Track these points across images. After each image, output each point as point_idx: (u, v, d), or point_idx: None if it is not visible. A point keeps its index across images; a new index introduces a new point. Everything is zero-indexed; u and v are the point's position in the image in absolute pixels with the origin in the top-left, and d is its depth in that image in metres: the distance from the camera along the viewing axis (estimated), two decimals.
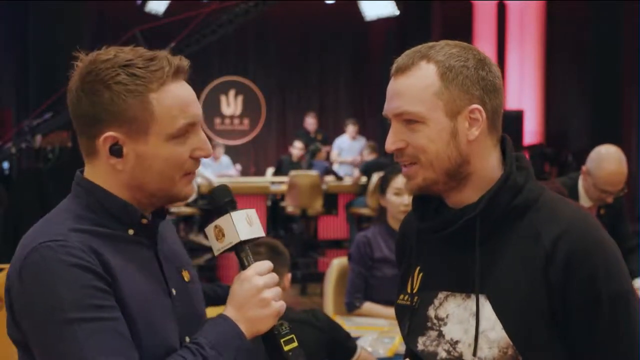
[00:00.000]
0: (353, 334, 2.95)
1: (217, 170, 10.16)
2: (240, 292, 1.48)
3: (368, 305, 3.56)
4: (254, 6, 7.61)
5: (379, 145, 10.72)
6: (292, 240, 10.10)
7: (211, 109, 13.02)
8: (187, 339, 1.50)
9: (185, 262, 1.63)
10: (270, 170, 11.25)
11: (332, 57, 14.12)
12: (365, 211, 9.52)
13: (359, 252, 3.63)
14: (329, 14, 13.28)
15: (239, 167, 11.25)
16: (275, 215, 10.16)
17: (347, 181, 10.20)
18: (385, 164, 10.10)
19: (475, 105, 1.48)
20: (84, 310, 1.36)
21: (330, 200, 9.84)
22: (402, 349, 2.97)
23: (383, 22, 12.02)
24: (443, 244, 1.54)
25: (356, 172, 10.22)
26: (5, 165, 7.12)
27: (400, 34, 13.28)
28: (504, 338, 1.44)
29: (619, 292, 1.44)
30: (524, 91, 11.73)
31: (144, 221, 1.51)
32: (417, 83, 1.49)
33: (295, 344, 1.49)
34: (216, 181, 8.80)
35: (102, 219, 1.47)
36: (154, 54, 1.49)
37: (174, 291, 1.53)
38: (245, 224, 1.49)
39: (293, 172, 9.51)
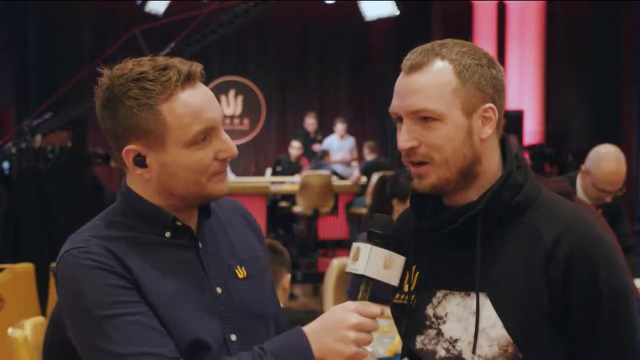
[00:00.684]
0: None
1: None
2: (332, 316, 1.49)
3: None
4: (254, 6, 7.60)
5: (379, 145, 10.74)
6: (292, 240, 10.11)
7: None
8: (233, 336, 1.55)
9: (247, 255, 1.66)
10: (269, 171, 11.23)
11: (332, 57, 14.11)
12: (365, 211, 9.53)
13: None
14: (329, 14, 13.28)
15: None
16: (275, 215, 10.16)
17: (348, 181, 10.20)
18: (385, 164, 10.11)
19: (489, 104, 1.49)
20: (108, 307, 1.45)
21: None
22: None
23: (383, 22, 12.01)
24: (441, 243, 1.54)
25: (356, 172, 10.22)
26: (5, 165, 7.11)
27: (400, 34, 13.28)
28: (504, 336, 1.44)
29: (619, 289, 1.44)
30: (524, 91, 11.73)
31: (178, 224, 1.55)
32: (434, 80, 1.47)
33: None
34: None
35: (137, 223, 1.55)
36: (166, 63, 1.50)
37: (219, 289, 1.57)
38: (380, 264, 1.48)
39: (305, 173, 9.51)
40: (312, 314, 2.88)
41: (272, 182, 9.98)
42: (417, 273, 1.58)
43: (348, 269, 1.51)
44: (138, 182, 1.55)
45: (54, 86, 7.00)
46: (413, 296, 1.57)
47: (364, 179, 9.76)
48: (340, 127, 11.10)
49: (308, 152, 10.90)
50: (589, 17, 10.81)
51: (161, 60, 1.52)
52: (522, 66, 11.76)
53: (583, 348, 1.46)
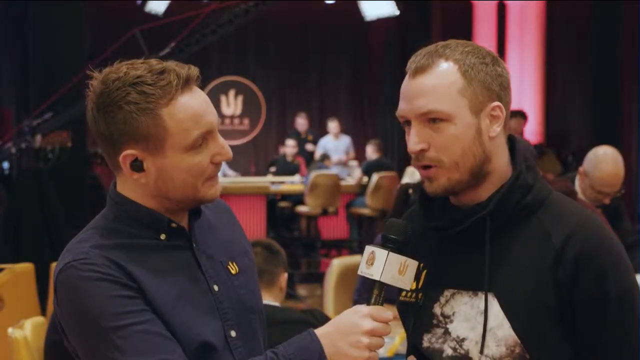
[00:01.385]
0: None
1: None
2: (345, 320, 1.48)
3: None
4: (254, 6, 7.60)
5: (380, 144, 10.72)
6: (293, 240, 10.11)
7: None
8: (233, 333, 1.55)
9: (236, 252, 1.67)
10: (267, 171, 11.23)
11: (332, 57, 14.11)
12: (365, 211, 9.53)
13: None
14: (329, 14, 13.28)
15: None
16: (275, 215, 10.16)
17: (349, 181, 10.20)
18: (386, 163, 10.12)
19: (496, 103, 1.49)
20: (115, 318, 1.43)
21: None
22: (402, 349, 2.97)
23: (383, 22, 12.02)
24: (449, 242, 1.54)
25: (357, 172, 10.21)
26: (5, 165, 7.12)
27: (400, 34, 13.28)
28: (511, 336, 1.45)
29: (627, 290, 1.45)
30: (524, 91, 11.73)
31: (173, 225, 1.55)
32: (440, 81, 1.47)
33: None
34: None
35: (132, 229, 1.53)
36: (163, 66, 1.49)
37: (215, 287, 1.57)
38: (395, 270, 1.48)
39: (315, 173, 9.52)
40: (312, 314, 2.88)
41: (272, 182, 9.98)
42: (425, 271, 1.58)
43: (362, 273, 1.50)
44: (132, 187, 1.54)
45: (54, 86, 7.01)
46: (420, 294, 1.58)
47: (365, 179, 9.77)
48: (332, 125, 11.05)
49: (302, 152, 10.88)
50: (589, 17, 10.81)
51: (155, 63, 1.51)
52: (522, 66, 11.75)
53: (590, 349, 1.47)
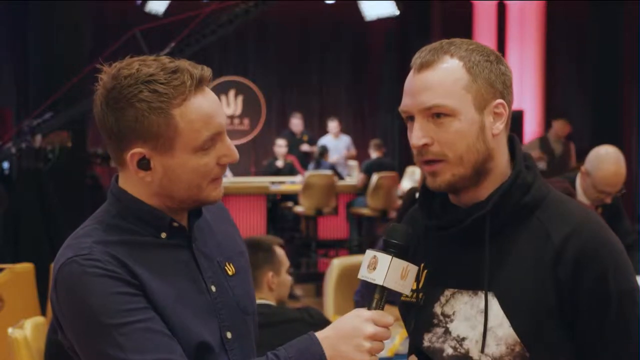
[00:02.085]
0: None
1: None
2: (346, 324, 1.48)
3: None
4: (254, 6, 7.60)
5: (369, 144, 10.71)
6: (293, 240, 10.10)
7: None
8: (229, 334, 1.55)
9: (232, 252, 1.66)
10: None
11: (332, 57, 14.11)
12: (365, 211, 9.53)
13: None
14: (329, 14, 13.28)
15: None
16: (275, 215, 10.16)
17: (347, 181, 10.20)
18: (386, 163, 10.11)
19: (500, 100, 1.50)
20: (117, 315, 1.42)
21: None
22: (402, 349, 2.97)
23: (383, 22, 12.01)
24: (450, 241, 1.55)
25: (357, 173, 10.21)
26: (5, 165, 7.11)
27: (400, 34, 13.28)
28: (511, 335, 1.45)
29: (627, 290, 1.46)
30: (524, 91, 11.73)
31: (175, 224, 1.55)
32: (446, 77, 1.48)
33: None
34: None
35: (134, 225, 1.52)
36: (176, 65, 1.48)
37: (213, 288, 1.57)
38: (398, 274, 1.48)
39: (308, 173, 9.51)
40: (306, 311, 2.88)
41: (272, 182, 9.98)
42: (426, 271, 1.59)
43: (363, 277, 1.50)
44: (135, 184, 1.53)
45: (54, 86, 7.00)
46: (421, 294, 1.58)
47: (364, 179, 9.76)
48: (332, 125, 11.05)
49: (296, 154, 10.85)
50: (589, 17, 10.81)
51: (168, 61, 1.49)
52: (522, 66, 11.75)
53: (590, 348, 1.47)
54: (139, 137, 1.46)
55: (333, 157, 10.70)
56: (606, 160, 3.75)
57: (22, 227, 6.08)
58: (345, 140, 11.11)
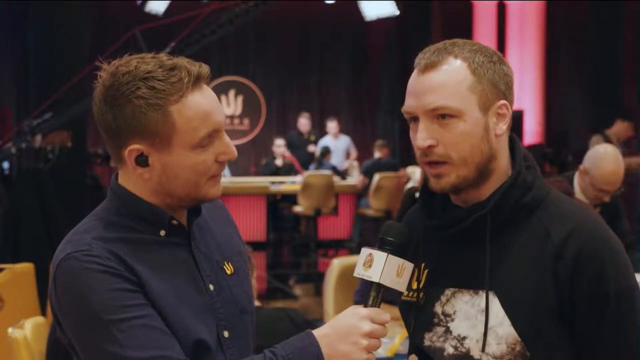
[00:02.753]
0: None
1: None
2: (343, 322, 1.48)
3: None
4: (254, 6, 7.60)
5: (374, 145, 10.72)
6: (293, 240, 10.11)
7: None
8: (226, 333, 1.55)
9: (231, 252, 1.67)
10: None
11: (332, 57, 14.12)
12: (370, 212, 9.54)
13: None
14: (329, 14, 13.28)
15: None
16: (275, 215, 10.16)
17: (349, 181, 10.20)
18: (386, 164, 10.12)
19: (503, 101, 1.51)
20: (116, 311, 1.43)
21: None
22: (402, 349, 2.97)
23: (383, 22, 12.02)
24: (450, 241, 1.55)
25: (356, 174, 10.21)
26: (5, 165, 7.11)
27: (400, 34, 13.29)
28: (512, 334, 1.46)
29: (626, 288, 1.46)
30: (524, 91, 11.73)
31: (174, 222, 1.55)
32: (450, 78, 1.48)
33: None
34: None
35: (133, 223, 1.53)
36: (174, 62, 1.48)
37: (211, 287, 1.57)
38: (394, 272, 1.49)
39: (308, 173, 9.51)
40: (293, 311, 2.90)
41: (272, 182, 9.98)
42: (426, 271, 1.59)
43: (359, 275, 1.51)
44: (134, 181, 1.53)
45: (54, 86, 7.01)
46: (422, 294, 1.59)
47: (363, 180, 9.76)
48: (331, 125, 11.03)
49: (303, 154, 10.83)
50: (589, 17, 10.81)
51: (166, 59, 1.50)
52: (522, 66, 11.76)
53: (589, 346, 1.48)
54: (136, 133, 1.47)
55: (333, 159, 10.71)
56: (605, 158, 3.76)
57: (22, 227, 6.08)
58: (345, 141, 11.10)
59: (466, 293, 1.52)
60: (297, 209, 9.52)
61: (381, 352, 2.94)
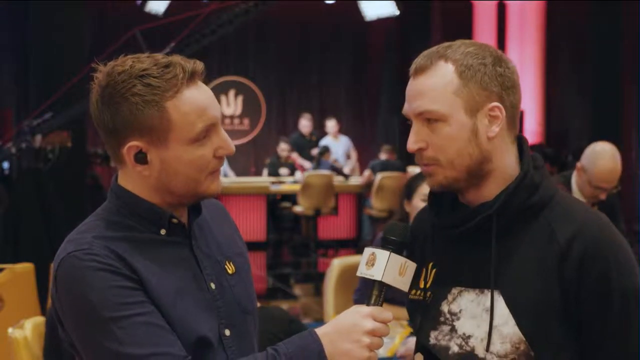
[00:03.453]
0: None
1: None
2: (346, 320, 1.48)
3: None
4: (254, 6, 7.60)
5: (377, 145, 10.73)
6: (292, 240, 10.10)
7: None
8: (227, 332, 1.57)
9: (232, 252, 1.68)
10: (265, 171, 11.20)
11: (332, 57, 14.12)
12: (372, 212, 9.55)
13: None
14: (329, 14, 13.28)
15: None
16: (275, 215, 10.16)
17: (353, 181, 10.21)
18: (392, 165, 10.14)
19: (495, 104, 1.50)
20: (115, 309, 1.44)
21: None
22: (402, 348, 2.97)
23: (383, 22, 12.02)
24: (458, 240, 1.56)
25: (364, 171, 10.21)
26: (5, 165, 7.12)
27: (400, 34, 13.28)
28: (516, 333, 1.47)
29: (631, 289, 1.47)
30: (524, 91, 11.42)
31: (174, 221, 1.56)
32: (436, 82, 1.50)
33: None
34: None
35: (133, 222, 1.54)
36: (169, 60, 1.51)
37: (212, 285, 1.58)
38: (396, 270, 1.50)
39: (307, 173, 9.51)
40: (265, 310, 2.93)
41: (272, 182, 9.98)
42: (434, 270, 1.60)
43: (362, 274, 1.51)
44: (134, 179, 1.55)
45: (54, 86, 7.00)
46: (429, 292, 1.60)
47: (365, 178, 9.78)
48: (330, 125, 11.01)
49: (306, 156, 10.80)
50: (589, 17, 10.81)
51: (161, 57, 1.52)
52: (522, 66, 11.75)
53: (594, 346, 1.48)
54: (134, 131, 1.49)
55: (333, 159, 10.70)
56: (602, 156, 3.76)
57: (22, 227, 6.08)
58: (345, 141, 11.09)
59: (472, 292, 1.53)
60: (297, 209, 9.52)
61: (381, 352, 2.94)
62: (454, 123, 1.49)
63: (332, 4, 12.47)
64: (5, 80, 11.88)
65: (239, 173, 11.65)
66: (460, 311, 1.54)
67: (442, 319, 1.56)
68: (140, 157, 1.51)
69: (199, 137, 1.50)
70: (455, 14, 12.20)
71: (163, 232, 1.56)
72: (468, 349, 1.51)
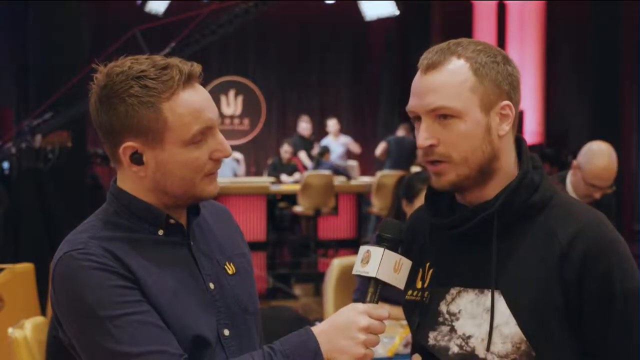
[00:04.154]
0: None
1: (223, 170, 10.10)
2: (341, 318, 1.49)
3: None
4: (254, 6, 7.61)
5: (374, 145, 10.72)
6: (292, 240, 10.10)
7: None
8: (227, 331, 1.57)
9: (233, 252, 1.69)
10: (265, 172, 11.20)
11: (332, 57, 14.12)
12: (372, 210, 9.55)
13: None
14: (329, 14, 13.28)
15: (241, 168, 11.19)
16: (274, 215, 10.16)
17: (352, 181, 10.21)
18: (407, 140, 10.17)
19: (506, 102, 1.51)
20: (112, 308, 1.45)
21: None
22: (402, 349, 2.97)
23: (383, 22, 12.03)
24: (456, 240, 1.56)
25: (356, 173, 10.21)
26: (5, 165, 7.11)
27: (400, 34, 13.29)
28: (517, 333, 1.46)
29: (632, 289, 1.47)
30: (524, 91, 11.43)
31: (172, 221, 1.57)
32: (452, 78, 1.49)
33: None
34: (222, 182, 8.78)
35: (131, 223, 1.55)
36: (166, 62, 1.52)
37: (211, 285, 1.59)
38: (391, 267, 1.49)
39: (307, 173, 9.51)
40: (278, 310, 2.91)
41: (272, 182, 9.98)
42: (431, 270, 1.60)
43: (357, 272, 1.51)
44: (131, 180, 1.56)
45: (54, 86, 7.00)
46: (426, 293, 1.59)
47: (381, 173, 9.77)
48: (331, 124, 11.00)
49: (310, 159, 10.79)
50: (589, 17, 10.81)
51: (159, 59, 1.53)
52: (522, 66, 11.72)
53: (595, 346, 1.48)
54: (130, 131, 1.50)
55: (333, 159, 10.70)
56: (598, 154, 3.76)
57: (22, 227, 6.08)
58: (345, 140, 11.09)
59: (471, 292, 1.53)
60: (297, 209, 9.52)
61: (381, 352, 2.94)
62: (470, 120, 1.48)
63: (332, 4, 12.47)
64: (5, 80, 11.88)
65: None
66: (459, 311, 1.53)
67: (440, 319, 1.56)
68: (136, 158, 1.52)
69: (194, 139, 1.51)
70: (455, 14, 12.20)
71: (161, 232, 1.57)
72: (468, 349, 1.51)
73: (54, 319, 1.58)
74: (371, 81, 14.33)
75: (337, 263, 3.92)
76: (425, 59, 1.52)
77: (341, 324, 1.48)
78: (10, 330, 2.82)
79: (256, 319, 1.69)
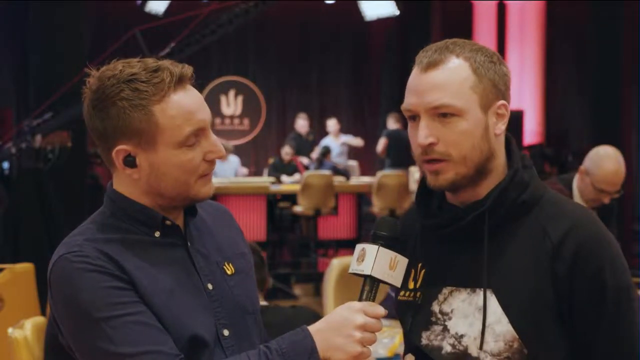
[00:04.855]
0: None
1: (224, 169, 10.11)
2: (337, 315, 1.49)
3: None
4: (254, 6, 7.61)
5: (374, 145, 10.73)
6: (292, 240, 10.10)
7: (211, 109, 12.78)
8: (226, 332, 1.57)
9: (232, 253, 1.69)
10: (265, 171, 11.19)
11: (332, 57, 14.12)
12: (373, 210, 9.55)
13: None
14: (329, 14, 13.28)
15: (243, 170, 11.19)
16: (274, 215, 10.15)
17: (353, 181, 10.20)
18: (403, 134, 10.17)
19: (502, 102, 1.52)
20: (106, 309, 1.45)
21: None
22: (401, 349, 2.97)
23: (383, 22, 12.03)
24: (447, 240, 1.56)
25: (356, 173, 10.20)
26: (5, 165, 7.11)
27: (400, 34, 13.29)
28: (510, 331, 1.47)
29: (623, 286, 1.48)
30: (524, 91, 11.72)
31: (168, 223, 1.57)
32: (453, 77, 1.49)
33: None
34: (219, 182, 8.80)
35: (128, 225, 1.56)
36: (158, 64, 1.52)
37: (210, 286, 1.59)
38: (386, 264, 1.49)
39: (307, 173, 9.51)
40: (300, 310, 2.91)
41: (272, 182, 9.98)
42: (423, 270, 1.60)
43: (352, 270, 1.51)
44: (126, 183, 1.57)
45: (54, 86, 7.00)
46: (419, 293, 1.59)
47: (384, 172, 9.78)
48: (331, 123, 10.99)
49: (305, 156, 10.78)
50: (589, 17, 10.81)
51: (151, 62, 1.53)
52: (522, 66, 11.75)
53: (586, 344, 1.49)
54: (122, 134, 1.51)
55: (334, 158, 10.70)
56: (607, 159, 3.75)
57: (22, 227, 6.08)
58: (345, 139, 11.09)
59: (463, 291, 1.53)
60: (297, 209, 9.52)
61: (381, 352, 2.94)
62: (470, 118, 1.49)
63: (332, 4, 12.47)
64: (5, 80, 11.88)
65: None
66: (451, 311, 1.54)
67: (433, 319, 1.56)
68: (129, 161, 1.53)
69: (187, 140, 1.51)
70: (455, 14, 12.20)
71: (157, 234, 1.57)
72: (461, 348, 1.51)
73: (52, 320, 1.58)
74: (371, 81, 14.32)
75: (336, 263, 3.92)
76: (424, 57, 1.52)
77: (337, 322, 1.48)
78: (10, 330, 2.82)
79: (256, 319, 1.69)
